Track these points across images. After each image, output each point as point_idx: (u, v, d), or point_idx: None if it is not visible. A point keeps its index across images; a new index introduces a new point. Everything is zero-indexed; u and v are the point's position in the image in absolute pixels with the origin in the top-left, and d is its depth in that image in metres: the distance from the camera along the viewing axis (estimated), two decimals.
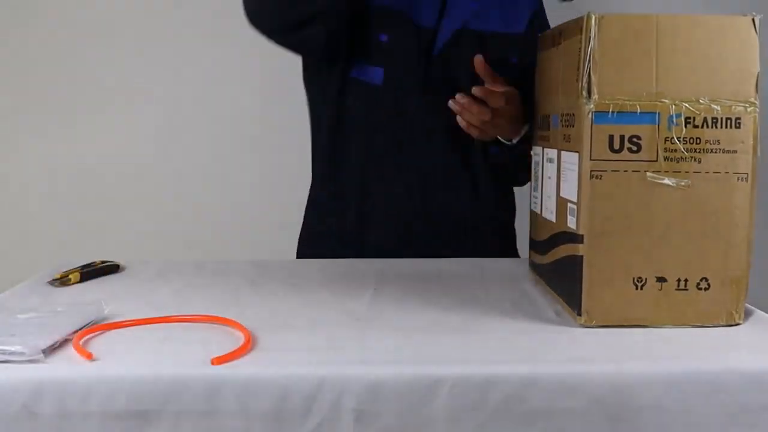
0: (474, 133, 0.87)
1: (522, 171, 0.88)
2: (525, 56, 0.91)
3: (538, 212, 0.79)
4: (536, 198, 0.81)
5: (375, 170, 0.96)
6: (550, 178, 0.74)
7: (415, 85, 0.92)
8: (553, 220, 0.73)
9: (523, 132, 0.88)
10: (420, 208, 0.96)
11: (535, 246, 0.82)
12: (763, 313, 0.69)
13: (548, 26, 0.97)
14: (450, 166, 0.96)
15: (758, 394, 0.54)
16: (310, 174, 1.07)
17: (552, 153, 0.73)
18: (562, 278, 0.70)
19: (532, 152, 0.84)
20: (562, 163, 0.70)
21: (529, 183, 0.85)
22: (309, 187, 1.07)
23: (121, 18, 1.50)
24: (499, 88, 0.85)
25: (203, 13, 1.51)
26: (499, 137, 0.90)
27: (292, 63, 1.36)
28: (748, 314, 0.67)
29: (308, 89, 1.03)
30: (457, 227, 0.97)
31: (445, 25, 0.91)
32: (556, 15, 0.88)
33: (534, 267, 0.84)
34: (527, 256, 0.87)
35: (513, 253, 1.04)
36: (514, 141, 0.88)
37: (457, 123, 0.87)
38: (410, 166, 0.95)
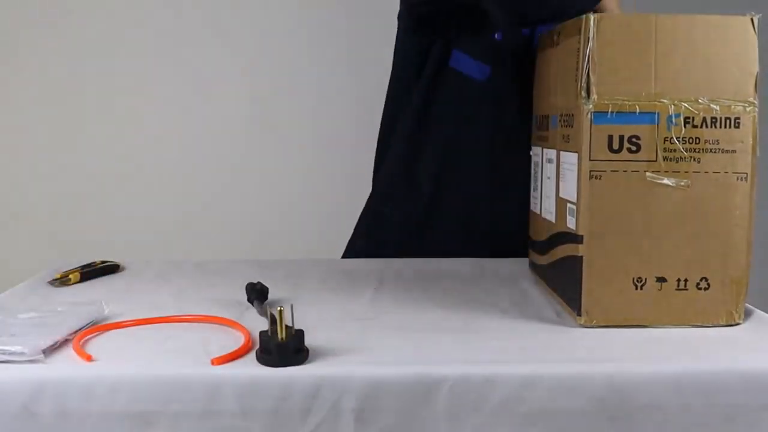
0: None
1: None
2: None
3: (538, 212, 0.79)
4: (535, 198, 0.81)
5: (452, 165, 0.93)
6: (549, 178, 0.74)
7: (513, 87, 0.89)
8: (553, 221, 0.73)
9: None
10: (487, 211, 0.93)
11: (535, 246, 0.82)
12: (763, 313, 0.69)
13: None
14: (525, 178, 0.89)
15: (758, 394, 0.54)
16: (311, 174, 1.07)
17: (551, 153, 0.73)
18: (562, 279, 0.70)
19: (531, 152, 0.84)
20: (561, 164, 0.70)
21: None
22: (311, 187, 1.07)
23: (124, 16, 1.50)
24: None
25: (208, 13, 1.52)
26: None
27: (293, 62, 1.36)
28: (748, 314, 0.67)
29: (396, 77, 0.99)
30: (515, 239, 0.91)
31: (541, 29, 0.87)
32: None
33: (534, 267, 0.84)
34: (527, 256, 0.87)
35: None
36: None
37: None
38: (493, 169, 0.92)
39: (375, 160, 1.03)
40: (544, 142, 0.77)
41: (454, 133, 0.93)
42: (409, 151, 0.96)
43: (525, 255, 0.86)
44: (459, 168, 0.94)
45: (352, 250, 1.02)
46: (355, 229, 1.03)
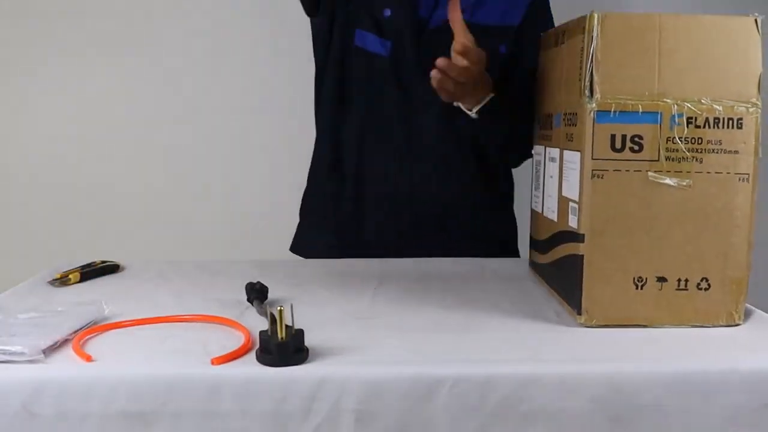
0: (443, 95, 0.86)
1: (500, 144, 0.93)
2: (515, 46, 0.95)
3: (539, 211, 0.79)
4: (537, 197, 0.81)
5: (372, 141, 0.98)
6: (551, 177, 0.74)
7: (413, 62, 0.94)
8: (555, 220, 0.72)
9: (484, 102, 0.88)
10: (412, 184, 0.97)
11: (536, 245, 0.82)
12: (763, 313, 0.69)
13: (547, 16, 0.98)
14: (444, 146, 0.97)
15: (758, 394, 0.54)
16: (305, 175, 1.07)
17: (554, 152, 0.73)
18: (563, 278, 0.70)
19: (533, 151, 0.83)
20: (564, 162, 0.70)
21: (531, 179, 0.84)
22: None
23: (124, 16, 1.50)
24: (470, 42, 0.84)
25: (208, 13, 1.51)
26: (462, 107, 0.90)
27: (293, 64, 1.35)
28: (748, 314, 0.67)
29: (316, 63, 1.04)
30: (451, 206, 0.98)
31: (440, 14, 0.92)
32: (562, 12, 0.88)
33: (534, 266, 0.83)
34: (527, 255, 0.87)
35: (508, 241, 1.04)
36: (474, 111, 0.88)
37: (448, 104, 0.88)
38: (406, 140, 0.97)
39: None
40: (548, 141, 0.77)
41: (367, 109, 0.98)
42: (332, 132, 1.01)
43: (442, 223, 0.91)
44: (376, 142, 0.98)
45: (295, 237, 1.07)
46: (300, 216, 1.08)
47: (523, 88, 0.88)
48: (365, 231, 0.99)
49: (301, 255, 1.05)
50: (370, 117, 0.97)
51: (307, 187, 1.08)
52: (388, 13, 0.94)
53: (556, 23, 0.74)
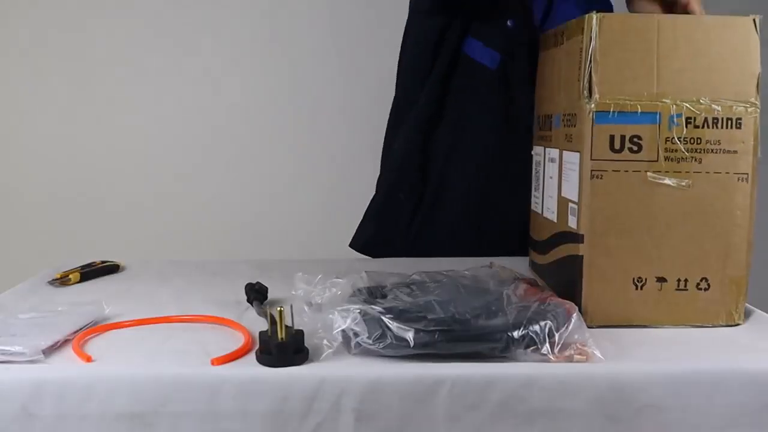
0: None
1: None
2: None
3: (539, 212, 0.79)
4: (537, 198, 0.81)
5: (461, 152, 0.95)
6: (551, 177, 0.74)
7: (524, 76, 0.90)
8: (554, 220, 0.73)
9: None
10: (492, 200, 0.95)
11: (536, 246, 0.82)
12: (763, 313, 0.69)
13: None
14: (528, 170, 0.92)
15: (758, 394, 0.54)
16: (311, 174, 1.07)
17: (554, 153, 0.73)
18: (562, 278, 0.70)
19: (533, 152, 0.83)
20: (563, 163, 0.70)
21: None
22: (312, 187, 1.07)
23: (125, 16, 1.50)
24: None
25: (209, 12, 1.51)
26: None
27: (292, 62, 1.36)
28: (748, 314, 0.67)
29: (404, 63, 1.00)
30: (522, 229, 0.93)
31: (553, 21, 0.90)
32: None
33: (534, 266, 0.83)
34: (527, 255, 0.87)
35: None
36: None
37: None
38: (498, 157, 0.94)
39: (384, 146, 1.04)
40: (547, 142, 0.77)
41: (466, 119, 0.95)
42: (423, 137, 0.97)
43: (525, 248, 0.86)
44: (468, 154, 0.95)
45: (362, 235, 1.03)
46: (366, 215, 1.04)
47: None
48: (436, 240, 0.95)
49: (371, 255, 1.00)
50: (462, 126, 0.94)
51: (382, 187, 1.02)
52: (511, 23, 0.90)
53: None
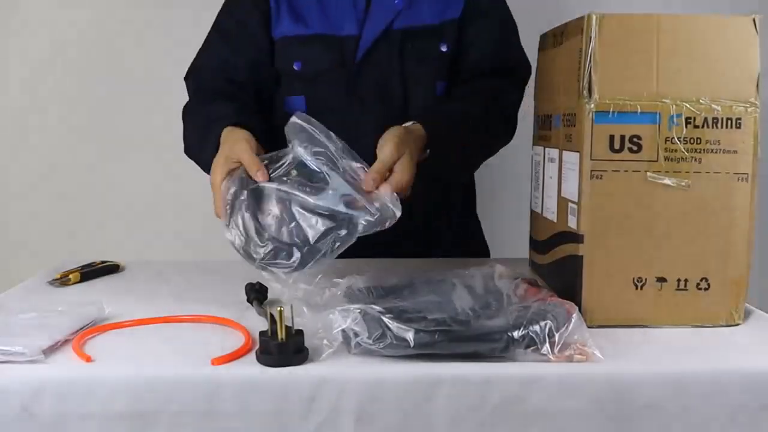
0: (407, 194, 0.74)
1: (454, 174, 0.91)
2: (457, 42, 0.92)
3: (539, 212, 0.79)
4: (537, 198, 0.81)
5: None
6: (551, 177, 0.74)
7: (340, 99, 0.92)
8: (554, 220, 0.73)
9: (423, 156, 0.77)
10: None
11: (536, 246, 0.82)
12: (763, 313, 0.69)
13: (498, 2, 0.95)
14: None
15: (758, 394, 0.54)
16: None
17: (553, 153, 0.73)
18: (563, 278, 0.70)
19: (532, 152, 0.83)
20: (563, 163, 0.70)
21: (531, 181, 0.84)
22: None
23: (126, 15, 1.50)
24: (391, 160, 0.70)
25: (209, 12, 1.51)
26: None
27: None
28: (747, 314, 0.67)
29: None
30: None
31: (367, 32, 0.90)
32: (564, 12, 0.87)
33: (534, 267, 0.83)
34: (527, 255, 0.87)
35: (476, 242, 1.04)
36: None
37: (384, 123, 0.80)
38: None
39: None
40: (547, 142, 0.77)
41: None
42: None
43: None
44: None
45: None
46: None
47: (470, 102, 0.86)
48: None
49: None
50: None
51: None
52: (297, 66, 0.92)
53: (558, 23, 0.74)
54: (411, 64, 0.90)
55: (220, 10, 0.98)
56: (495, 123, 0.90)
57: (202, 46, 0.98)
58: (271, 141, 0.83)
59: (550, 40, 0.76)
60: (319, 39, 0.91)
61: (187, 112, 0.94)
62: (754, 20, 0.63)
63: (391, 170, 0.69)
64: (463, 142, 0.83)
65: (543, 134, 0.79)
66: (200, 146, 0.83)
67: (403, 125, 0.76)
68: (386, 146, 0.70)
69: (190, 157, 0.92)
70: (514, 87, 0.95)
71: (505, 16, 0.96)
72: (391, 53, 0.90)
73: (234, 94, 0.91)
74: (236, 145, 0.72)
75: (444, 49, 0.92)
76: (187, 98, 1.00)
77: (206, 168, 0.80)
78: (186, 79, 0.99)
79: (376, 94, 0.91)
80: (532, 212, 0.83)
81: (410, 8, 0.91)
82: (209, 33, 0.98)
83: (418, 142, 0.76)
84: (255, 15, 0.93)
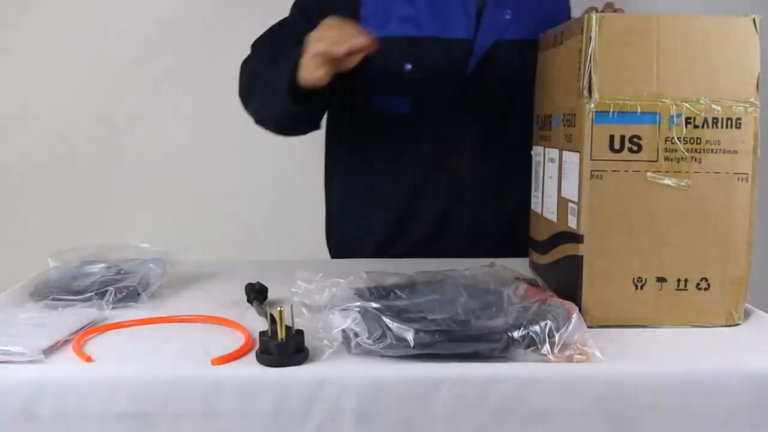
0: None
1: None
2: None
3: (539, 212, 0.79)
4: (537, 198, 0.81)
5: (406, 192, 0.95)
6: (551, 177, 0.74)
7: (448, 107, 0.91)
8: (554, 220, 0.73)
9: None
10: (448, 222, 0.95)
11: (535, 246, 0.82)
12: (763, 313, 0.69)
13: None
14: (478, 179, 0.94)
15: (758, 394, 0.54)
16: (311, 174, 1.07)
17: (553, 153, 0.73)
18: (562, 278, 0.70)
19: (532, 152, 0.84)
20: (563, 163, 0.70)
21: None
22: (311, 187, 1.07)
23: (126, 15, 1.50)
24: None
25: (211, 11, 1.51)
26: None
27: None
28: (747, 314, 0.67)
29: (329, 128, 1.02)
30: (481, 239, 0.95)
31: (482, 38, 0.90)
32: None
33: (534, 267, 0.83)
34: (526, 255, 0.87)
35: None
36: None
37: (485, 132, 0.86)
38: (441, 186, 0.94)
39: None
40: (547, 142, 0.77)
41: (400, 167, 0.95)
42: (360, 195, 0.99)
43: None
44: (413, 195, 0.95)
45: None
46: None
47: None
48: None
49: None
50: (400, 174, 0.94)
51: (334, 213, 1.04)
52: (408, 67, 0.89)
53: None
54: (521, 75, 0.87)
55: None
56: None
57: (275, 23, 0.96)
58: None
59: (550, 40, 0.76)
60: (432, 42, 0.89)
61: (249, 59, 0.94)
62: (754, 20, 0.63)
63: None
64: None
65: (543, 134, 0.79)
66: (276, 70, 0.83)
67: None
68: None
69: (252, 102, 0.92)
70: None
71: None
72: (503, 62, 0.90)
73: None
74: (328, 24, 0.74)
75: None
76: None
77: (275, 102, 0.82)
78: (253, 45, 0.97)
79: (482, 101, 0.90)
80: (532, 212, 0.83)
81: (519, 22, 0.91)
82: (288, 15, 0.97)
83: None
84: (340, 4, 0.89)
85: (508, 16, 0.92)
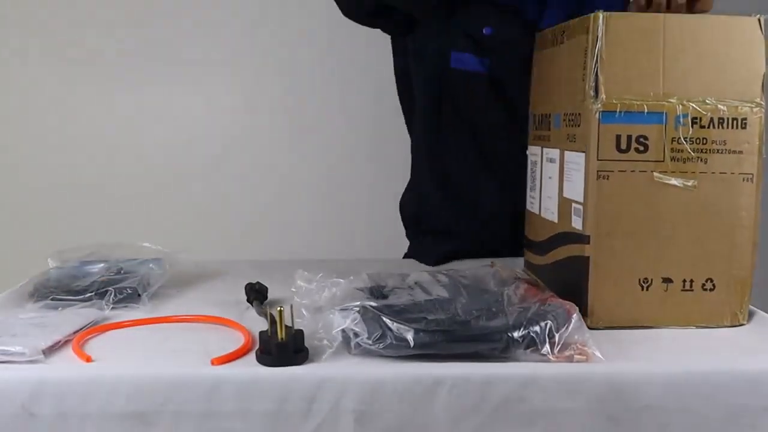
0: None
1: None
2: None
3: (536, 212, 0.79)
4: (533, 198, 0.80)
5: (475, 157, 0.95)
6: (550, 178, 0.74)
7: (518, 75, 0.89)
8: (555, 221, 0.72)
9: None
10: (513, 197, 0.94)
11: (532, 246, 0.81)
12: (765, 314, 0.68)
13: None
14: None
15: (759, 395, 0.54)
16: (311, 173, 1.06)
17: (553, 153, 0.73)
18: (564, 279, 0.69)
19: (528, 152, 0.83)
20: (565, 163, 0.69)
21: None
22: (311, 186, 1.06)
23: (127, 14, 1.50)
24: None
25: (212, 11, 1.51)
26: None
27: (293, 62, 1.34)
28: (750, 315, 0.67)
29: (400, 73, 1.01)
30: None
31: (547, 18, 0.88)
32: None
33: (530, 267, 0.83)
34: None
35: None
36: None
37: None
38: (506, 158, 0.93)
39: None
40: (545, 142, 0.76)
41: (468, 130, 0.95)
42: (434, 159, 0.97)
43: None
44: (482, 161, 0.95)
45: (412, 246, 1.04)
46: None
47: None
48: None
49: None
50: (470, 138, 0.94)
51: (412, 196, 1.03)
52: (488, 31, 0.90)
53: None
54: None
55: None
56: None
57: None
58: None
59: (549, 38, 0.75)
60: (512, 12, 0.90)
61: None
62: (759, 20, 0.63)
63: None
64: None
65: (540, 134, 0.78)
66: None
67: None
68: None
69: None
70: None
71: None
72: None
73: None
74: None
75: None
76: None
77: None
78: None
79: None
80: (528, 212, 0.83)
81: (585, 7, 0.91)
82: None
83: None
84: None
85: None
